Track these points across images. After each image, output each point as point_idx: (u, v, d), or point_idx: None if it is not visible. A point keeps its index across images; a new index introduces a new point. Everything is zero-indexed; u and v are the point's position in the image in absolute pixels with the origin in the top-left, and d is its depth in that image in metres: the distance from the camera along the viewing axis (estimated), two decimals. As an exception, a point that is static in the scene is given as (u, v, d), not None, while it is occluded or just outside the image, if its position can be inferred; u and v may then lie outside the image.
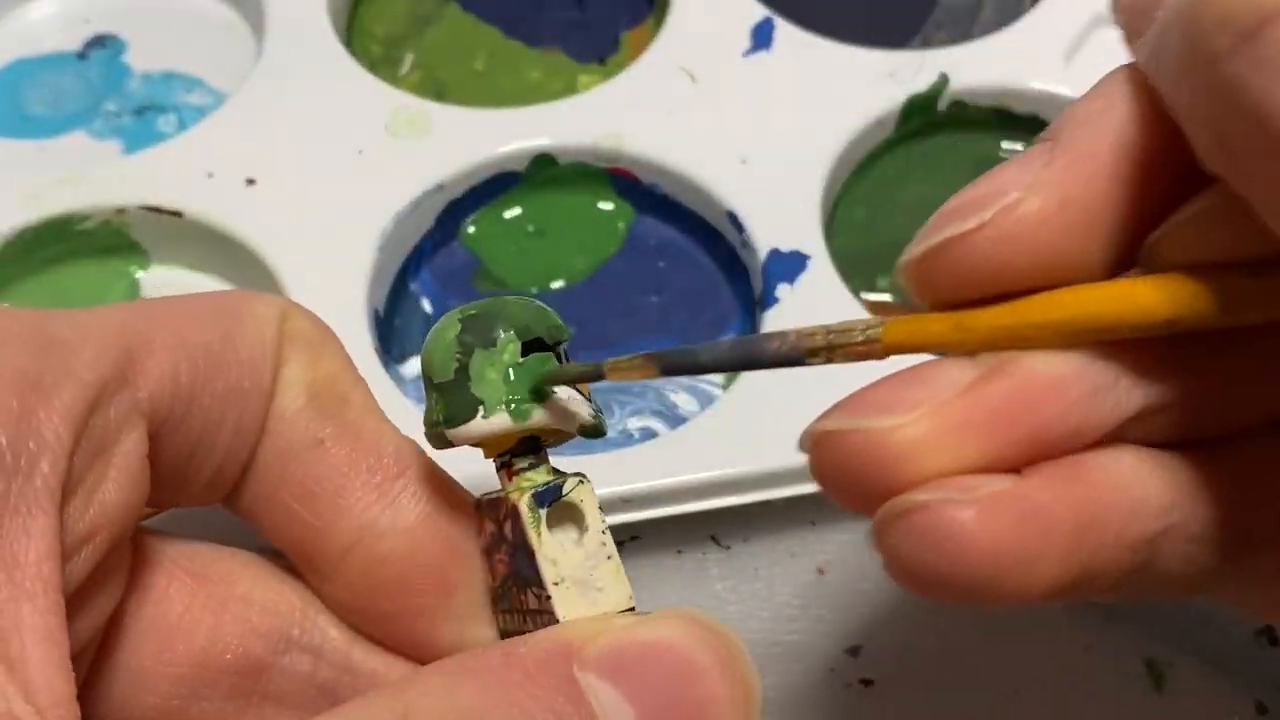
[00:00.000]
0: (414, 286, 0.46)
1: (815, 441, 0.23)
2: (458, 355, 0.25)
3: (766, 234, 0.43)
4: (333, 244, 0.43)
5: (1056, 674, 0.38)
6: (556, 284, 0.46)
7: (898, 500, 0.22)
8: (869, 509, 0.23)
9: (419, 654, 0.27)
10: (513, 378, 0.25)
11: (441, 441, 0.25)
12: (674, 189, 0.46)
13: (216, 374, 0.24)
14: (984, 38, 0.49)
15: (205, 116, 0.47)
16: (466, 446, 0.25)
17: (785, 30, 0.49)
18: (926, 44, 0.51)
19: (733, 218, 0.44)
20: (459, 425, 0.25)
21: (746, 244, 0.44)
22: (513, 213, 0.47)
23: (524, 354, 0.25)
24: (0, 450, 0.21)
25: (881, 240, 0.46)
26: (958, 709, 0.37)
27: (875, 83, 0.47)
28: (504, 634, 0.26)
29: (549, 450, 0.26)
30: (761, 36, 0.49)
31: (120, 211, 0.44)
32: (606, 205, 0.47)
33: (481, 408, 0.24)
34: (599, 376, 0.25)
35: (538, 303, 0.26)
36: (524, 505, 0.24)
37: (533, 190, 0.47)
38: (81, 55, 0.51)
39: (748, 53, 0.49)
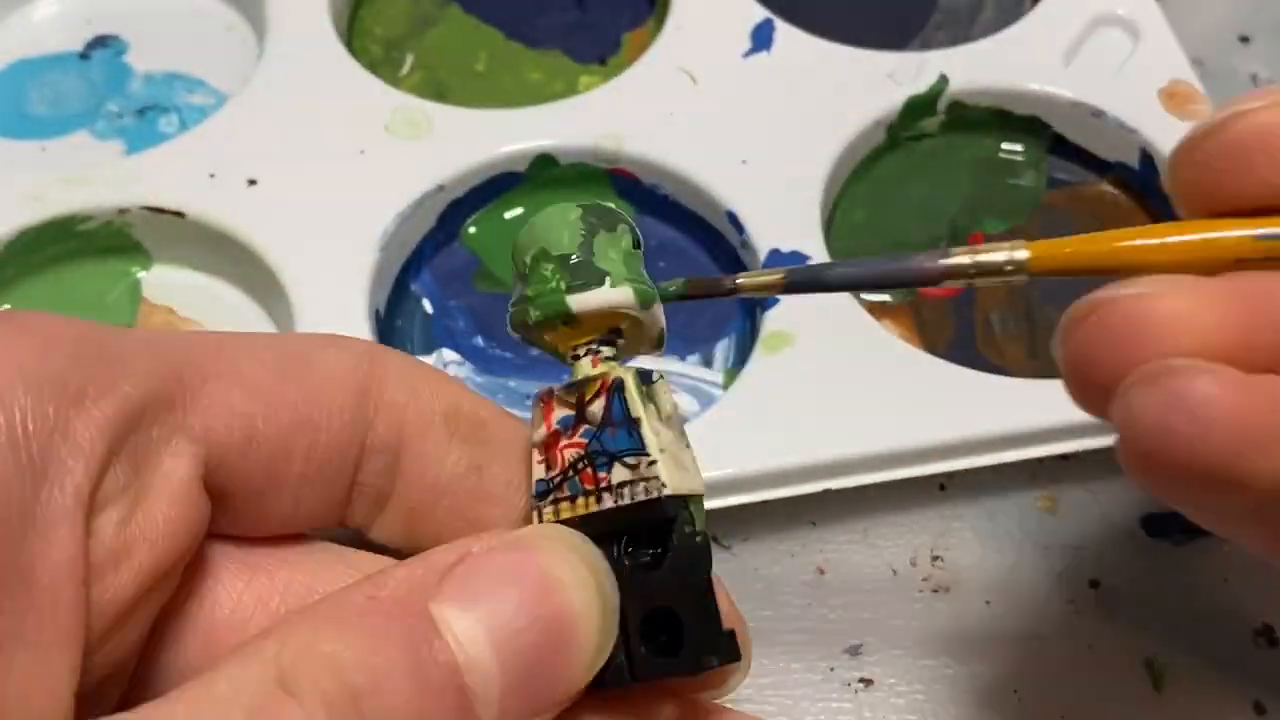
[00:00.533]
0: (415, 287, 0.46)
1: (1079, 315, 0.24)
2: (582, 232, 0.25)
3: (766, 234, 0.44)
4: (334, 244, 0.43)
5: (1056, 674, 0.38)
6: (557, 284, 0.46)
7: (1152, 365, 0.23)
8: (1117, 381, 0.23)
9: None
10: (630, 264, 0.26)
11: (545, 312, 0.25)
12: (674, 189, 0.46)
13: (278, 406, 0.25)
14: (983, 39, 0.49)
15: (207, 117, 0.47)
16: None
17: (785, 31, 0.49)
18: (926, 45, 0.51)
19: (733, 218, 0.44)
20: (584, 292, 0.25)
21: (746, 244, 0.44)
22: (514, 213, 0.47)
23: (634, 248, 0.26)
24: (31, 457, 0.21)
25: (881, 240, 0.46)
26: (957, 709, 0.37)
27: (875, 84, 0.47)
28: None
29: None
30: (761, 37, 0.49)
31: (122, 212, 0.45)
32: (607, 205, 0.47)
33: (609, 279, 0.25)
34: (732, 290, 0.26)
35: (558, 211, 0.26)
36: (630, 379, 0.25)
37: (533, 191, 0.47)
38: (84, 56, 0.51)
39: (748, 54, 0.49)
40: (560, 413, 0.26)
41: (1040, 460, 0.41)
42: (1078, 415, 0.40)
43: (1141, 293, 0.23)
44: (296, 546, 0.27)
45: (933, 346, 0.43)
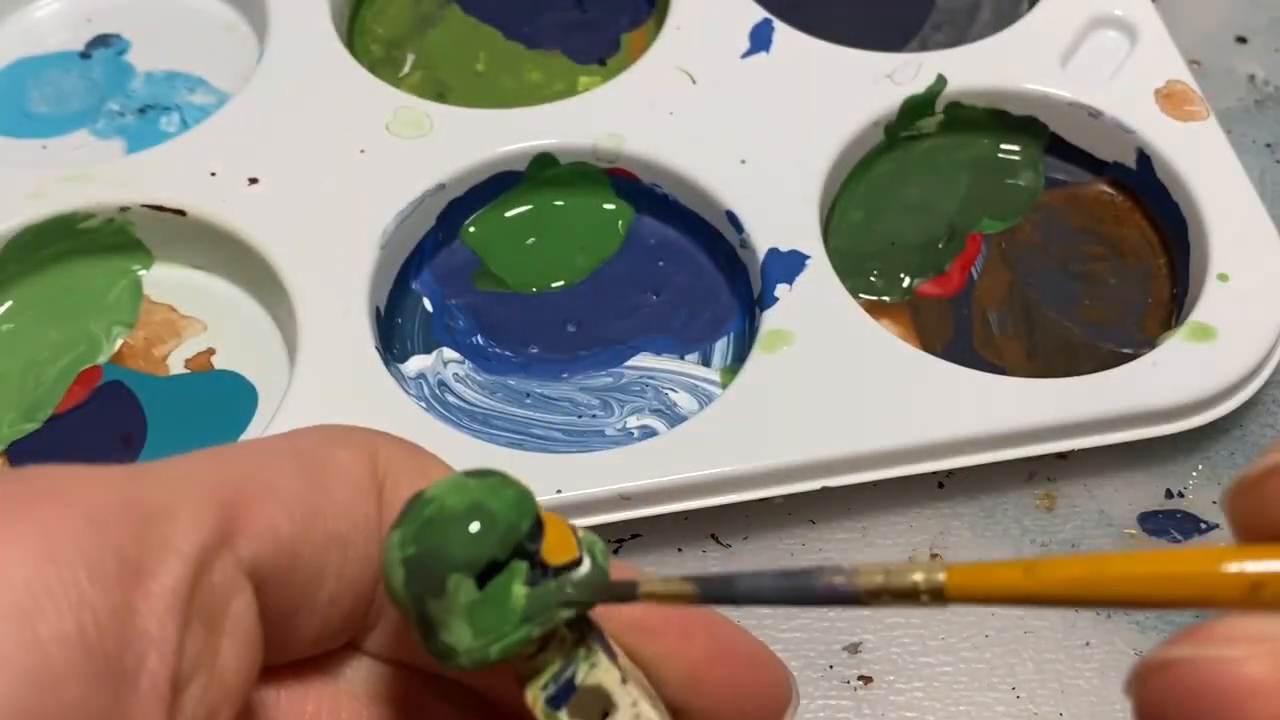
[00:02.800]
0: (415, 285, 0.46)
1: (1153, 669, 0.22)
2: (414, 602, 0.22)
3: (765, 234, 0.44)
4: (335, 243, 0.44)
5: (1056, 673, 0.38)
6: (556, 283, 0.46)
7: None
8: None
9: None
10: (476, 618, 0.22)
11: (454, 670, 0.23)
12: (673, 189, 0.46)
13: (314, 522, 0.23)
14: (981, 40, 0.49)
15: (208, 116, 0.47)
16: None
17: (784, 32, 0.49)
18: (924, 46, 0.52)
19: (732, 217, 0.44)
20: (445, 663, 0.22)
21: (745, 244, 0.44)
22: (514, 212, 0.47)
23: (482, 585, 0.22)
24: (109, 662, 0.19)
25: (879, 240, 0.47)
26: (957, 707, 0.37)
27: (873, 84, 0.48)
28: None
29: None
30: (760, 38, 0.49)
31: (123, 210, 0.45)
32: (607, 205, 0.47)
33: (458, 655, 0.22)
34: (631, 598, 0.22)
35: (481, 500, 0.22)
36: (540, 713, 0.22)
37: (533, 190, 0.47)
38: (85, 54, 0.52)
39: (747, 54, 0.49)
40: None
41: (1038, 459, 0.41)
42: (1076, 414, 0.40)
43: (1224, 657, 0.21)
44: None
45: (931, 346, 0.44)
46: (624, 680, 0.22)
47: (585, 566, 0.22)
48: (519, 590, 0.22)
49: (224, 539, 0.21)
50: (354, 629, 0.24)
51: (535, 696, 0.22)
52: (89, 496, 0.20)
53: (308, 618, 0.23)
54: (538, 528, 0.22)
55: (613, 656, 0.22)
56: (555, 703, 0.22)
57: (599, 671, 0.22)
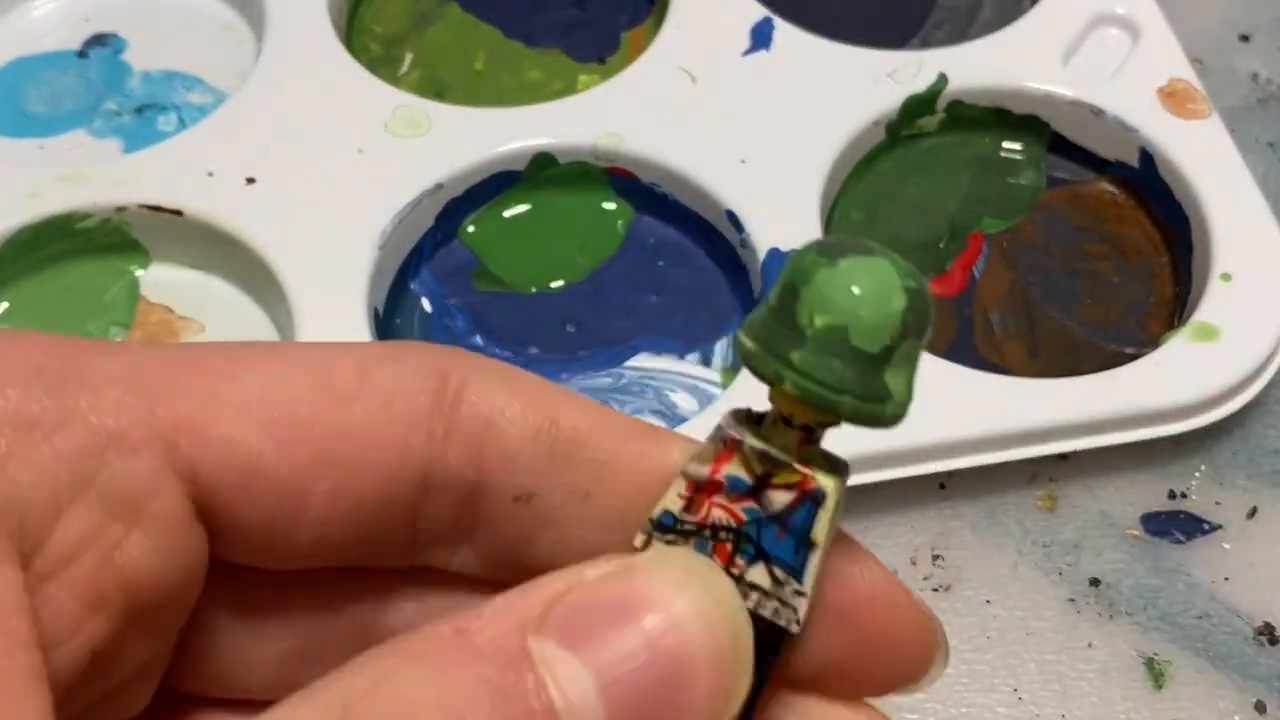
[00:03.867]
0: (414, 285, 0.46)
1: None
2: (895, 333, 0.21)
3: (765, 233, 0.44)
4: (333, 243, 0.43)
5: (1057, 673, 0.38)
6: (556, 283, 0.46)
7: None
8: None
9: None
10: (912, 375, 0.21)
11: (809, 400, 0.21)
12: (673, 188, 0.46)
13: (299, 442, 0.21)
14: (983, 38, 0.49)
15: (205, 115, 0.47)
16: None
17: (784, 30, 0.49)
18: (925, 44, 0.51)
19: (732, 217, 0.44)
20: (861, 404, 0.21)
21: (746, 243, 0.44)
22: (512, 212, 0.47)
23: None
24: None
25: (880, 239, 0.46)
26: (958, 709, 0.37)
27: (874, 82, 0.47)
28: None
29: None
30: (761, 36, 0.49)
31: (120, 210, 0.44)
32: (606, 204, 0.47)
33: (888, 403, 0.21)
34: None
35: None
36: (834, 500, 0.21)
37: (532, 189, 0.47)
38: (82, 54, 0.51)
39: (747, 52, 0.49)
40: (735, 471, 0.22)
41: (1040, 459, 0.41)
42: (1078, 414, 0.40)
43: None
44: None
45: (932, 346, 0.43)
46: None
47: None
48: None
49: (153, 431, 0.21)
50: (388, 550, 0.23)
51: (836, 483, 0.22)
52: (10, 350, 0.20)
53: (290, 535, 0.22)
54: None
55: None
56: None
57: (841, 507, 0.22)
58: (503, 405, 0.22)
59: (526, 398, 0.23)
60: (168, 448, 0.21)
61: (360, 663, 0.19)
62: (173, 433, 0.21)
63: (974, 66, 0.48)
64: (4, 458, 0.19)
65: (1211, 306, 0.42)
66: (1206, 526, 0.40)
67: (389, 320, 0.44)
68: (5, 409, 0.20)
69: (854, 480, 0.39)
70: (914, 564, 0.40)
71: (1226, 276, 0.43)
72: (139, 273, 0.46)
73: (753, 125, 0.46)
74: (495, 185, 0.46)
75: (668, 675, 0.19)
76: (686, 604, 0.20)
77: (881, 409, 0.21)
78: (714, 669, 0.20)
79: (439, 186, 0.45)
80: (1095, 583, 0.39)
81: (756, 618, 0.21)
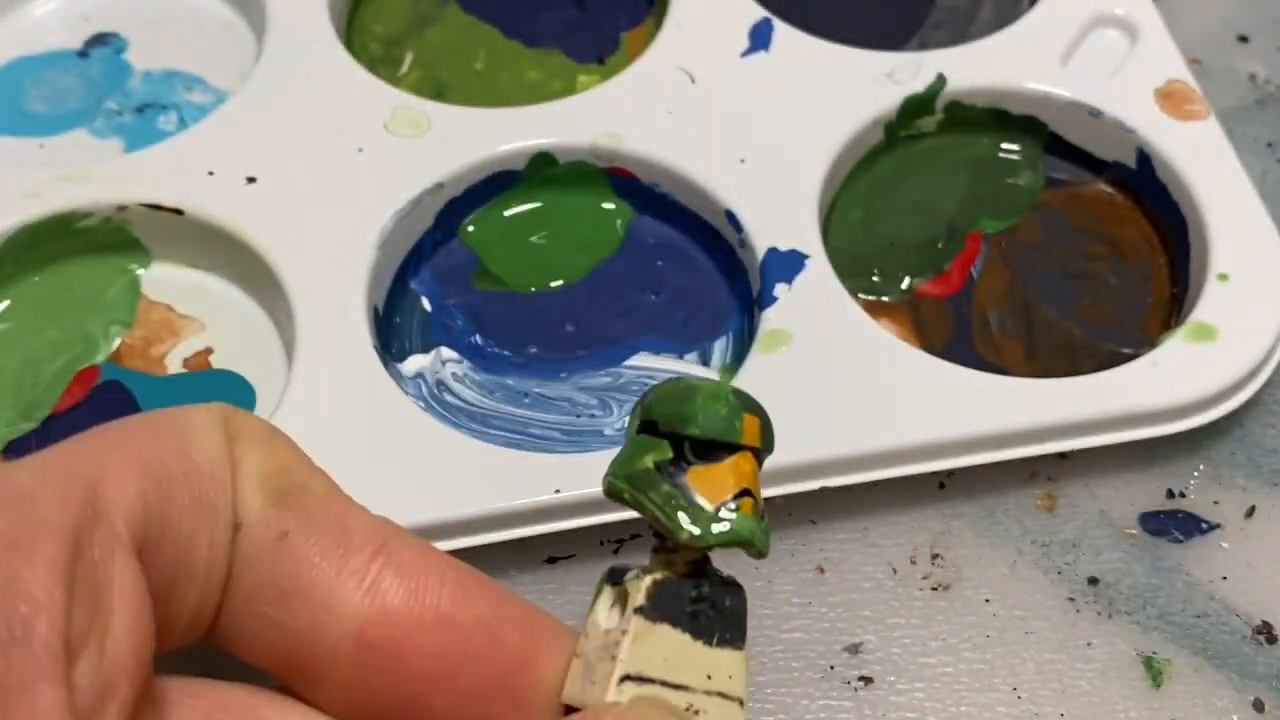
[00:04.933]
0: (414, 285, 0.46)
1: None
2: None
3: (764, 233, 0.44)
4: (333, 242, 0.43)
5: (1056, 672, 0.38)
6: (555, 283, 0.46)
7: None
8: None
9: None
10: (623, 450, 0.25)
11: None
12: (673, 188, 0.46)
13: (181, 489, 0.23)
14: (981, 39, 0.49)
15: (206, 115, 0.47)
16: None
17: (783, 31, 0.49)
18: (924, 45, 0.51)
19: (731, 217, 0.44)
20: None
21: (745, 243, 0.44)
22: (512, 212, 0.47)
23: (642, 432, 0.25)
24: None
25: (879, 240, 0.47)
26: (958, 708, 0.37)
27: (873, 83, 0.48)
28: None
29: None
30: (760, 37, 0.49)
31: (121, 209, 0.44)
32: (606, 204, 0.47)
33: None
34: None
35: (706, 388, 0.25)
36: (649, 579, 0.24)
37: (532, 189, 0.47)
38: (82, 53, 0.51)
39: (746, 53, 0.49)
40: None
41: (1039, 459, 0.41)
42: (1076, 414, 0.40)
43: None
44: (242, 687, 0.25)
45: (931, 345, 0.43)
46: (639, 610, 0.24)
47: (703, 510, 0.24)
48: (646, 459, 0.24)
49: (95, 514, 0.21)
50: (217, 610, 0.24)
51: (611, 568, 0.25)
52: None
53: (185, 594, 0.23)
54: (708, 450, 0.24)
55: (668, 604, 0.24)
56: (611, 577, 0.25)
57: (633, 587, 0.24)
58: (254, 444, 0.24)
59: (277, 447, 0.25)
60: (108, 524, 0.22)
61: None
62: (103, 507, 0.22)
63: (972, 67, 0.48)
64: (14, 578, 0.20)
65: (1209, 306, 0.42)
66: (1205, 526, 0.40)
67: (388, 319, 0.44)
68: None
69: (853, 479, 0.39)
70: (913, 563, 0.40)
71: (1224, 277, 0.43)
72: (139, 271, 0.46)
73: (752, 126, 0.46)
74: (495, 185, 0.46)
75: None
76: None
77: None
78: None
79: (439, 186, 0.45)
80: (1094, 582, 0.39)
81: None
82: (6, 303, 0.44)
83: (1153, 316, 0.45)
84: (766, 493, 0.39)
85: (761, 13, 0.50)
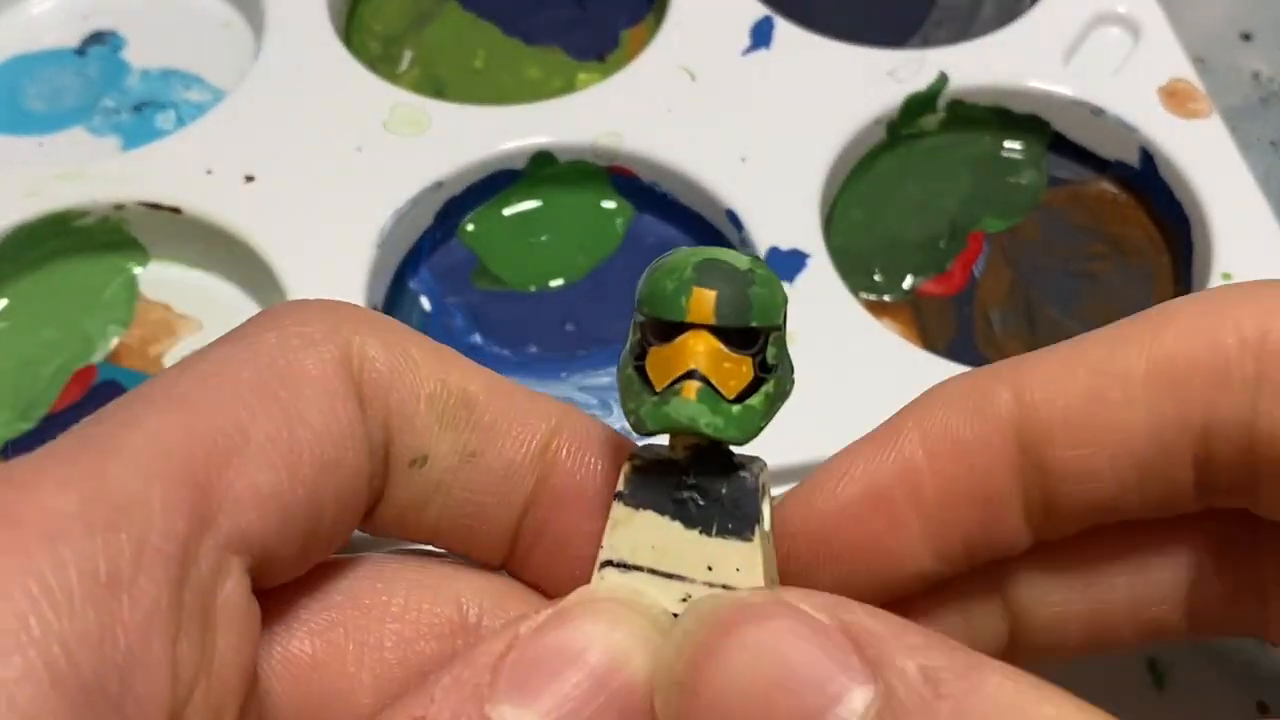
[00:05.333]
0: (413, 284, 0.45)
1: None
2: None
3: (765, 232, 0.43)
4: (331, 241, 0.43)
5: (1057, 674, 0.37)
6: (556, 282, 0.45)
7: None
8: None
9: None
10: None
11: None
12: (673, 187, 0.46)
13: (299, 462, 0.21)
14: (983, 37, 0.49)
15: (204, 113, 0.47)
16: None
17: (784, 29, 0.49)
18: (926, 43, 0.51)
19: (732, 216, 0.44)
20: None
21: (745, 242, 0.44)
22: (512, 210, 0.47)
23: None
24: (83, 686, 0.17)
25: (880, 239, 0.46)
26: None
27: (874, 81, 0.47)
28: None
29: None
30: (761, 35, 0.49)
31: (119, 208, 0.44)
32: (606, 203, 0.47)
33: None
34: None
35: (667, 263, 0.22)
36: (627, 464, 0.23)
37: (532, 188, 0.47)
38: (80, 51, 0.51)
39: (747, 51, 0.49)
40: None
41: (1041, 459, 0.41)
42: (1078, 414, 0.40)
43: None
44: (367, 578, 0.23)
45: (933, 345, 0.43)
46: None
47: (635, 408, 0.22)
48: (632, 340, 0.22)
49: (204, 521, 0.19)
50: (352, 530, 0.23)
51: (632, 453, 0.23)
52: (41, 506, 0.18)
53: (314, 548, 0.22)
54: (666, 331, 0.22)
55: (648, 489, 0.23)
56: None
57: (622, 472, 0.23)
58: (399, 369, 0.22)
59: (419, 363, 0.23)
60: (219, 528, 0.20)
61: None
62: (213, 512, 0.20)
63: (975, 65, 0.48)
64: (104, 633, 0.17)
65: (1213, 306, 0.42)
66: (1207, 527, 0.40)
67: (388, 319, 0.44)
68: (71, 577, 0.17)
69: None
70: (914, 564, 0.39)
71: (1227, 276, 0.42)
72: (137, 270, 0.45)
73: (753, 124, 0.46)
74: (495, 184, 0.46)
75: (625, 708, 0.20)
76: (624, 635, 0.20)
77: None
78: (665, 689, 0.20)
79: (438, 185, 0.45)
80: (1096, 583, 0.39)
81: None
82: (4, 302, 0.44)
83: (1155, 316, 0.44)
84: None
85: (763, 10, 0.49)
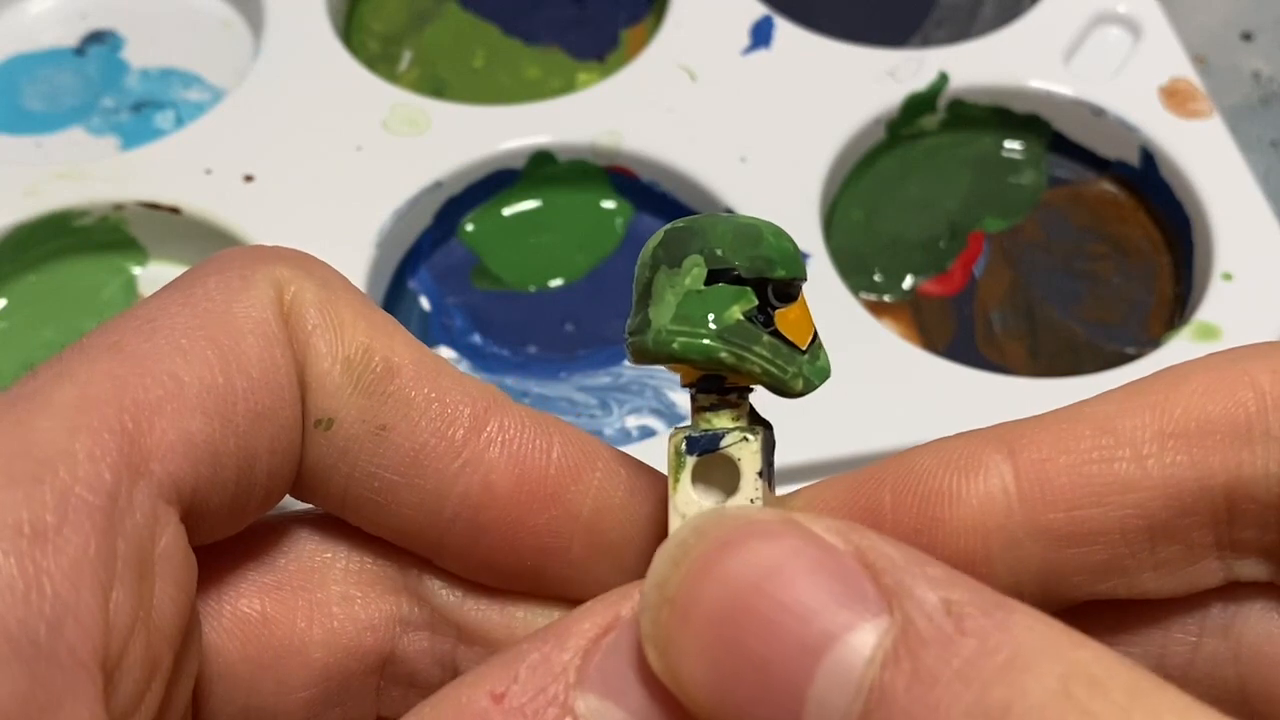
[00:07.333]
0: (412, 284, 0.45)
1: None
2: (649, 267, 0.22)
3: (766, 232, 0.43)
4: (331, 241, 0.43)
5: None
6: (555, 282, 0.45)
7: None
8: None
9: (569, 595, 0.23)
10: (685, 305, 0.21)
11: (634, 354, 0.22)
12: (673, 187, 0.46)
13: (232, 408, 0.20)
14: (983, 36, 0.49)
15: (203, 113, 0.47)
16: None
17: (784, 28, 0.49)
18: (926, 42, 0.51)
19: (732, 216, 0.44)
20: (631, 340, 0.22)
21: (746, 242, 0.44)
22: (511, 210, 0.47)
23: (710, 282, 0.22)
24: (9, 634, 0.17)
25: (880, 239, 0.46)
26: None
27: (874, 81, 0.47)
28: None
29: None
30: (761, 34, 0.49)
31: (118, 207, 0.44)
32: (606, 203, 0.47)
33: (648, 329, 0.21)
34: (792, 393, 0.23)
35: (761, 226, 0.22)
36: (672, 448, 0.22)
37: (532, 188, 0.47)
38: (79, 51, 0.51)
39: (747, 51, 0.48)
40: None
41: (1041, 459, 0.41)
42: (1078, 414, 0.40)
43: None
44: (313, 545, 0.23)
45: (933, 345, 0.43)
46: (760, 475, 0.22)
47: (800, 354, 0.23)
48: (734, 310, 0.22)
49: (134, 470, 0.19)
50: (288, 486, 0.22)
51: (678, 433, 0.22)
52: None
53: (249, 501, 0.21)
54: (787, 291, 0.22)
55: (768, 459, 0.22)
56: (690, 447, 0.22)
57: (746, 452, 0.22)
58: (323, 325, 0.22)
59: (348, 321, 0.22)
60: (147, 480, 0.19)
61: None
62: (143, 458, 0.19)
63: (975, 65, 0.48)
64: (31, 583, 0.17)
65: (1213, 306, 0.42)
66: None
67: (387, 319, 0.44)
68: (6, 528, 0.17)
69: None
70: (914, 564, 0.39)
71: (1228, 276, 0.42)
72: (136, 270, 0.45)
73: (753, 123, 0.46)
74: (494, 183, 0.46)
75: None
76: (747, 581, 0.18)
77: (644, 338, 0.21)
78: (655, 607, 0.18)
79: (438, 185, 0.45)
80: (1096, 583, 0.39)
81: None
82: (3, 302, 0.44)
83: (1156, 316, 0.44)
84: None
85: (763, 10, 0.49)
